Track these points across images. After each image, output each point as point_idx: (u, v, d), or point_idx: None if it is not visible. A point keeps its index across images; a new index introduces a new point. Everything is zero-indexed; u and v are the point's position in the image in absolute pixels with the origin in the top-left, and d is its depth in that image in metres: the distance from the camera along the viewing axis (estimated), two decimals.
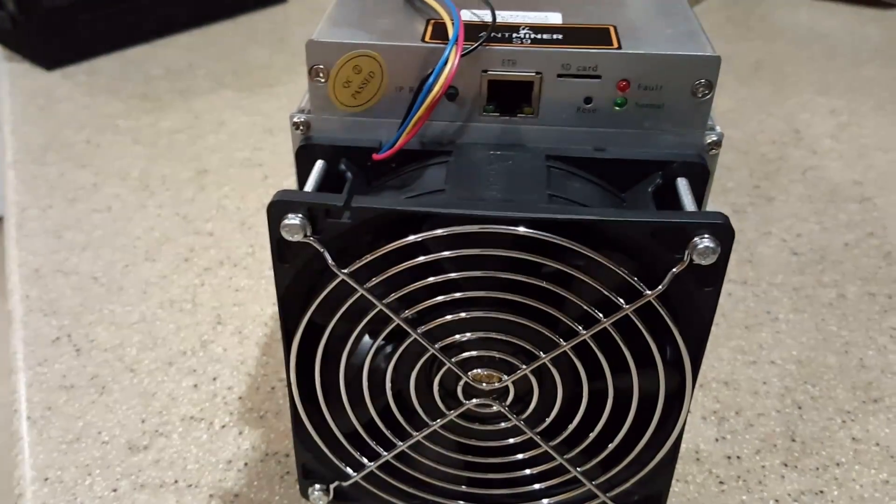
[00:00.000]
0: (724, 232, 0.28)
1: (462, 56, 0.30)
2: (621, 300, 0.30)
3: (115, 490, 0.41)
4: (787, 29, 0.98)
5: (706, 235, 0.28)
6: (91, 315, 0.52)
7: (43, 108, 0.76)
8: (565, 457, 0.35)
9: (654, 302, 0.30)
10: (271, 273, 0.56)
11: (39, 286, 0.54)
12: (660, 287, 0.30)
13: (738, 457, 0.43)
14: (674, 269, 0.29)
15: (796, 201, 0.65)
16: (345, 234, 0.31)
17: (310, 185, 0.33)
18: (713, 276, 0.30)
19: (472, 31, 0.32)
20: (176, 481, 0.41)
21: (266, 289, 0.54)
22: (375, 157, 0.33)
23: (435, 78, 0.30)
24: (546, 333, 0.32)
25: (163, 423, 0.44)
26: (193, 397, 0.46)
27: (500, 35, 0.32)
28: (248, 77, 0.82)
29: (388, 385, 0.34)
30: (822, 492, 0.42)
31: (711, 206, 0.64)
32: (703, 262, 0.29)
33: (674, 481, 0.38)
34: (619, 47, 0.31)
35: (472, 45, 0.31)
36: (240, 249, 0.58)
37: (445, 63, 0.30)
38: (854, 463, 0.43)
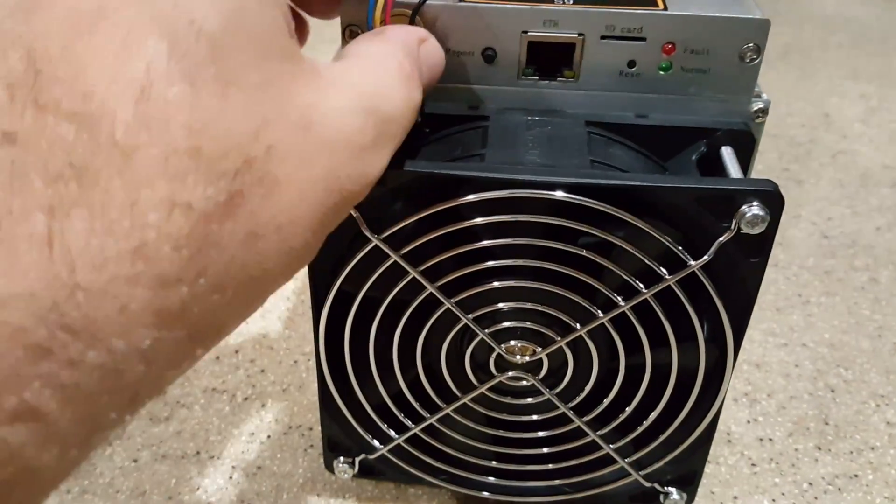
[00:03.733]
0: (774, 200, 0.27)
1: None
2: (664, 270, 0.29)
3: (135, 461, 0.40)
4: (814, 14, 0.96)
5: (755, 203, 0.27)
6: None
7: None
8: (598, 433, 0.34)
9: (698, 273, 0.29)
10: None
11: None
12: (705, 257, 0.29)
13: (771, 439, 0.42)
14: (720, 238, 0.28)
15: (826, 185, 0.64)
16: (378, 199, 0.30)
17: None
18: (760, 246, 0.29)
19: None
20: (198, 452, 0.40)
21: None
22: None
23: None
24: (584, 305, 0.31)
25: (184, 394, 0.44)
26: (215, 369, 0.45)
27: None
28: None
29: (419, 356, 0.34)
30: (856, 475, 0.41)
31: None
32: (752, 231, 0.28)
33: None
34: (666, 8, 0.30)
35: None
36: None
37: None
38: (889, 447, 0.42)
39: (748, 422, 0.43)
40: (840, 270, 0.54)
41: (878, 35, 0.91)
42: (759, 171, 0.65)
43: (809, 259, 0.55)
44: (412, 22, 0.30)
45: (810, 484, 0.40)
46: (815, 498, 0.39)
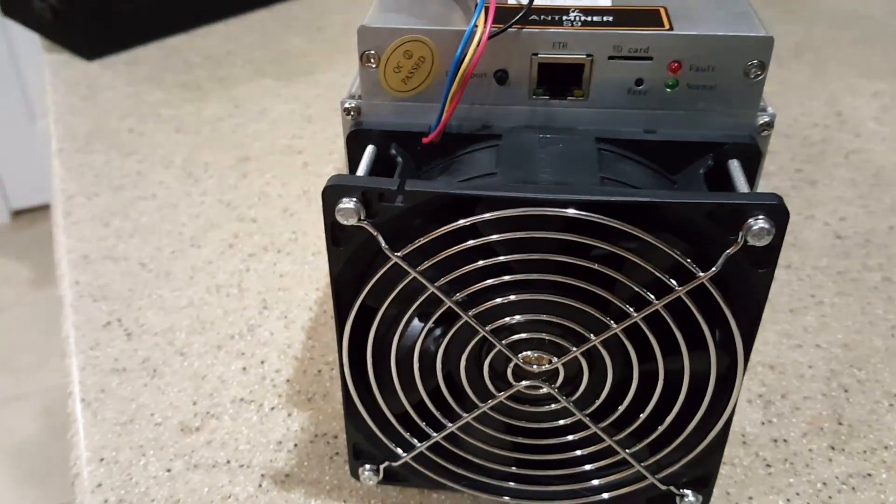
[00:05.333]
0: (778, 213, 0.28)
1: (493, 25, 0.30)
2: (674, 282, 0.30)
3: (169, 470, 0.42)
4: (827, 11, 0.97)
5: (761, 216, 0.28)
6: (140, 300, 0.52)
7: (85, 97, 0.77)
8: (614, 438, 0.35)
9: (707, 284, 0.30)
10: (314, 259, 0.57)
11: (89, 272, 0.55)
12: (713, 269, 0.30)
13: (785, 440, 0.43)
14: (728, 251, 0.29)
15: (840, 185, 0.64)
16: (398, 217, 0.31)
17: (362, 170, 0.33)
18: (767, 257, 0.30)
19: (514, 13, 0.32)
20: (228, 461, 0.42)
21: (310, 274, 0.55)
22: (425, 140, 0.34)
23: (463, 48, 0.30)
24: (597, 315, 0.32)
25: (214, 405, 0.45)
26: (243, 380, 0.47)
27: (550, 18, 0.32)
28: (287, 65, 0.82)
29: (439, 367, 0.35)
30: (870, 475, 0.41)
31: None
32: (758, 244, 0.29)
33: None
34: (671, 28, 0.31)
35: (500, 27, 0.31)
36: (283, 235, 0.58)
37: (472, 34, 0.30)
38: None
39: (763, 423, 0.44)
40: (853, 270, 0.55)
41: (891, 32, 0.91)
42: (771, 171, 0.66)
43: (823, 259, 0.56)
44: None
45: (824, 483, 0.41)
46: (830, 497, 0.40)
